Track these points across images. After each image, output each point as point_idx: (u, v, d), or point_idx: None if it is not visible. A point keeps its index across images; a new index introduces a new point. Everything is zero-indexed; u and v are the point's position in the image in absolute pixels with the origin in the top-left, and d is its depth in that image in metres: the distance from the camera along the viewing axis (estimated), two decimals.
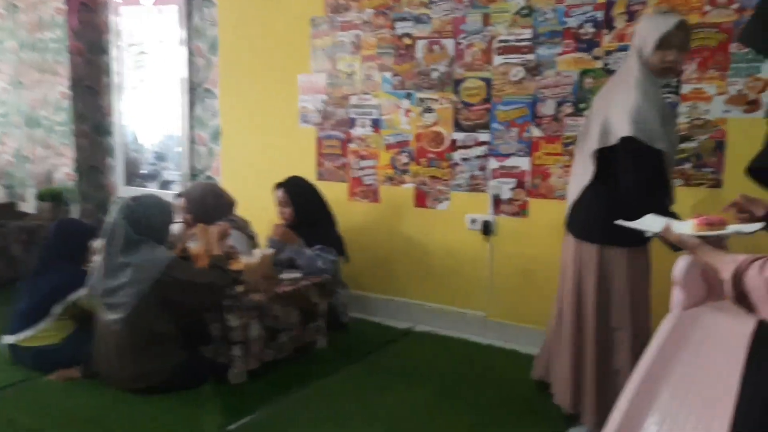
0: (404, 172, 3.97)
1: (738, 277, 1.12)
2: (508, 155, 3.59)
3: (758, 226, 1.15)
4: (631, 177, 2.30)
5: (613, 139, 2.32)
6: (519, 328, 3.62)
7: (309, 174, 4.26)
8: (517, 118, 3.54)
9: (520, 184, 3.57)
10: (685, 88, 3.06)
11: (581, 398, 2.53)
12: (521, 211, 3.59)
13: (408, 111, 3.91)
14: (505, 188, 3.62)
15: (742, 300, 1.12)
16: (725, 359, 1.56)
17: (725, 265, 1.16)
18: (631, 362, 2.37)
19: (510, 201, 3.61)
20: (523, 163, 3.54)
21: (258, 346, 3.10)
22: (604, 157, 2.39)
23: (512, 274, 3.65)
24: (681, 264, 1.65)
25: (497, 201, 3.66)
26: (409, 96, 3.89)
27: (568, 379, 2.55)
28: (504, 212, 3.64)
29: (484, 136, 3.66)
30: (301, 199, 3.77)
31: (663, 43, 2.29)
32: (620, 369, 2.43)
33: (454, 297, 3.87)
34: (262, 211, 3.99)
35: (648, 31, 2.33)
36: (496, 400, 2.91)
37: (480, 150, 3.68)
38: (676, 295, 1.78)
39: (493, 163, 3.65)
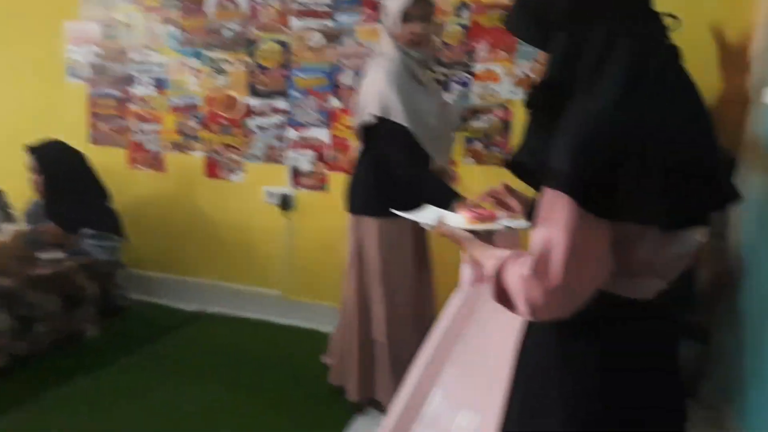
0: (193, 138, 3.60)
1: (498, 274, 1.06)
2: (306, 125, 3.40)
3: (527, 224, 1.09)
4: (388, 152, 2.36)
5: (366, 116, 2.36)
6: (319, 306, 3.50)
7: (80, 137, 3.70)
8: (317, 86, 3.35)
9: (319, 157, 3.41)
10: (478, 68, 3.11)
11: (347, 372, 2.57)
12: (321, 185, 3.43)
13: (197, 71, 3.53)
14: (304, 160, 3.43)
15: (503, 298, 1.06)
16: (506, 340, 1.56)
17: (489, 260, 1.11)
18: (387, 336, 2.46)
19: (310, 174, 3.44)
20: (323, 134, 3.38)
21: (5, 338, 2.60)
22: (371, 131, 2.41)
23: (312, 250, 3.50)
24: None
25: (296, 174, 3.46)
26: (197, 55, 3.51)
27: (341, 354, 2.60)
28: (303, 186, 3.46)
29: (281, 104, 3.43)
30: (53, 168, 3.21)
31: (406, 17, 2.29)
32: (376, 340, 2.51)
33: (249, 275, 3.63)
34: (19, 180, 3.37)
35: (391, 5, 2.33)
36: (293, 386, 2.76)
37: (277, 118, 3.45)
38: (465, 272, 1.75)
39: (291, 134, 3.43)
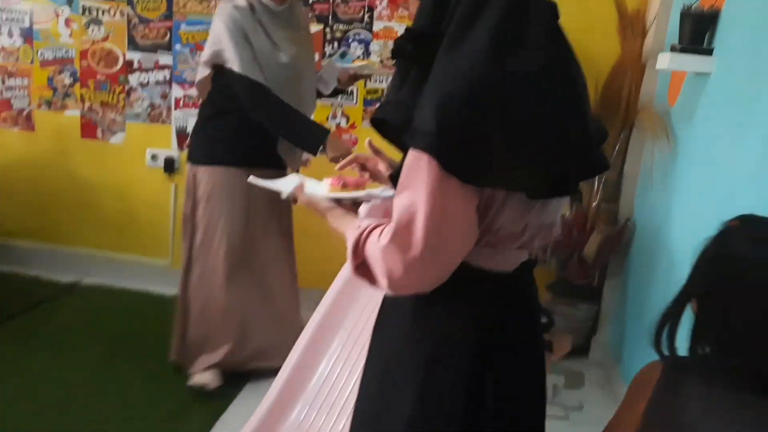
0: (67, 96, 3.27)
1: (359, 246, 0.95)
2: (192, 83, 3.16)
3: (392, 192, 0.97)
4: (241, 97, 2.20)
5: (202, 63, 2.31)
6: None
7: None
8: (203, 40, 3.11)
9: None
10: (377, 26, 2.98)
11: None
12: None
13: (69, 21, 3.19)
14: (191, 120, 3.19)
15: (364, 271, 0.95)
16: None
17: (350, 231, 0.98)
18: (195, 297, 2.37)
19: None
20: None
21: None
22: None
23: None
24: (360, 210, 1.49)
25: (181, 135, 3.22)
26: (70, 2, 3.17)
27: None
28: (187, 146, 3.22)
29: (165, 59, 3.16)
30: None
31: None
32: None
33: (132, 244, 3.36)
34: None
35: None
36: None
37: (161, 75, 3.18)
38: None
39: (177, 91, 3.18)
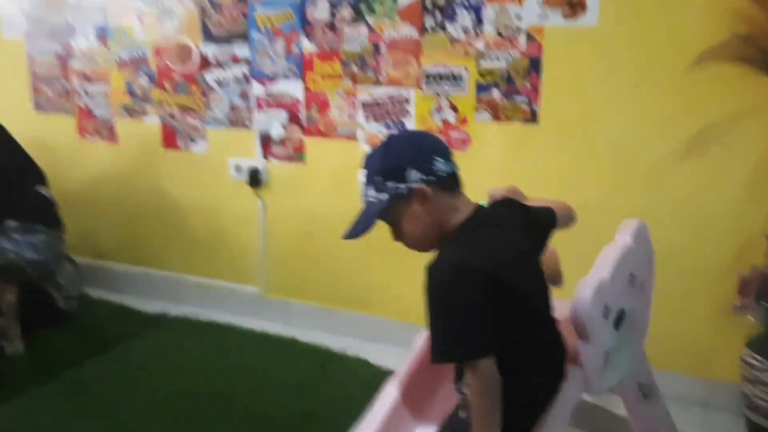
0: (145, 100, 2.89)
1: None
2: (274, 77, 2.62)
3: None
4: None
5: None
6: (301, 307, 2.79)
7: (23, 103, 3.08)
8: (282, 24, 2.55)
9: (293, 118, 2.63)
10: None
11: None
12: (297, 155, 2.67)
13: (142, 14, 2.80)
14: (276, 123, 2.66)
15: None
16: None
17: None
18: None
19: (282, 141, 2.67)
20: (295, 88, 2.59)
21: None
22: None
23: (289, 236, 2.77)
24: None
25: (266, 141, 2.71)
26: None
27: None
28: (276, 156, 2.71)
29: (241, 50, 2.65)
30: None
31: None
32: None
33: (221, 268, 2.94)
34: None
35: None
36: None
37: (238, 69, 2.68)
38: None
39: (256, 88, 2.66)
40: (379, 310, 2.65)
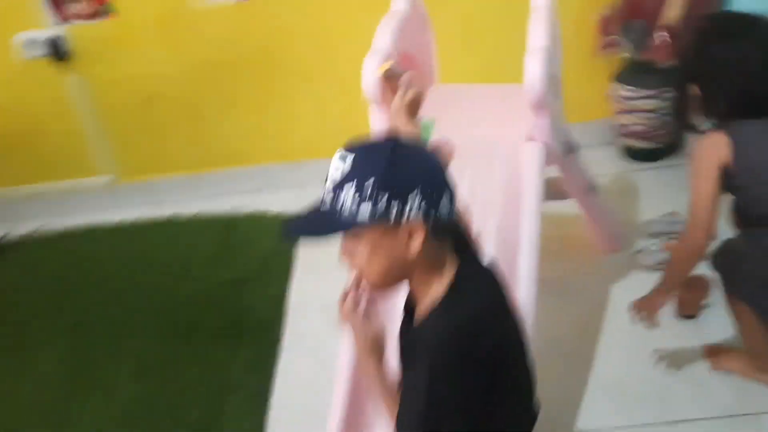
0: None
1: None
2: None
3: None
4: None
5: None
6: (168, 182, 2.51)
7: None
8: None
9: None
10: None
11: None
12: (103, 8, 2.20)
13: None
14: None
15: None
16: None
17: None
18: None
19: None
20: None
21: None
22: None
23: (124, 109, 2.38)
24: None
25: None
26: None
27: None
28: (76, 16, 2.21)
29: None
30: None
31: None
32: None
33: (57, 168, 2.50)
34: None
35: None
36: None
37: None
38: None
39: None
40: (257, 158, 2.46)
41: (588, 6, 2.13)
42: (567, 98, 2.14)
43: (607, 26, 2.10)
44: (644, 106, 2.12)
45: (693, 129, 1.37)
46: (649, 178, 2.19)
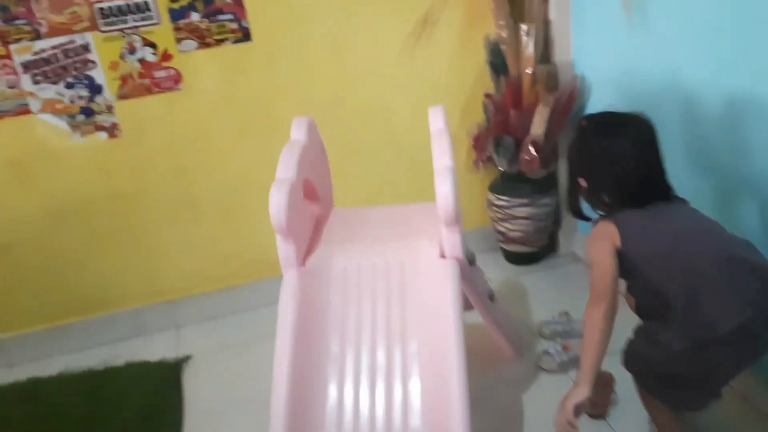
0: None
1: None
2: None
3: None
4: None
5: None
6: (25, 338, 2.20)
7: None
8: None
9: None
10: None
11: None
12: None
13: None
14: None
15: None
16: None
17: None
18: None
19: None
20: None
21: None
22: None
23: None
24: None
25: None
26: None
27: None
28: None
29: None
30: None
31: None
32: None
33: None
34: None
35: None
36: None
37: None
38: None
39: None
40: (128, 301, 2.26)
41: (462, 125, 2.28)
42: None
43: (480, 143, 2.25)
44: (519, 213, 2.25)
45: (585, 218, 1.44)
46: (533, 280, 2.30)
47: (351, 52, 2.15)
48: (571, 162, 1.41)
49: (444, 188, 1.28)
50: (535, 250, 2.36)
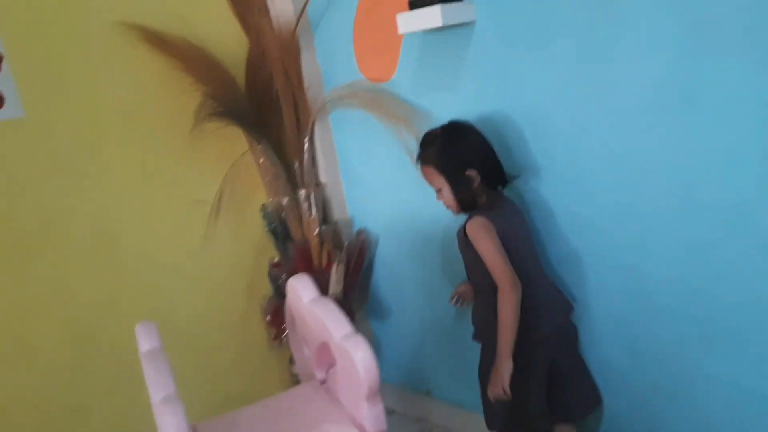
0: None
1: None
2: None
3: None
4: None
5: None
6: None
7: None
8: None
9: None
10: None
11: None
12: None
13: None
14: None
15: None
16: None
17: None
18: None
19: None
20: None
21: None
22: None
23: None
24: None
25: None
26: None
27: None
28: None
29: None
30: None
31: None
32: None
33: None
34: None
35: None
36: None
37: None
38: None
39: None
40: None
41: (249, 301, 2.14)
42: (252, 384, 2.06)
43: (277, 317, 2.11)
44: None
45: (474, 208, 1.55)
46: None
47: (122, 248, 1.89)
48: (454, 165, 1.51)
49: (362, 354, 1.15)
50: None
